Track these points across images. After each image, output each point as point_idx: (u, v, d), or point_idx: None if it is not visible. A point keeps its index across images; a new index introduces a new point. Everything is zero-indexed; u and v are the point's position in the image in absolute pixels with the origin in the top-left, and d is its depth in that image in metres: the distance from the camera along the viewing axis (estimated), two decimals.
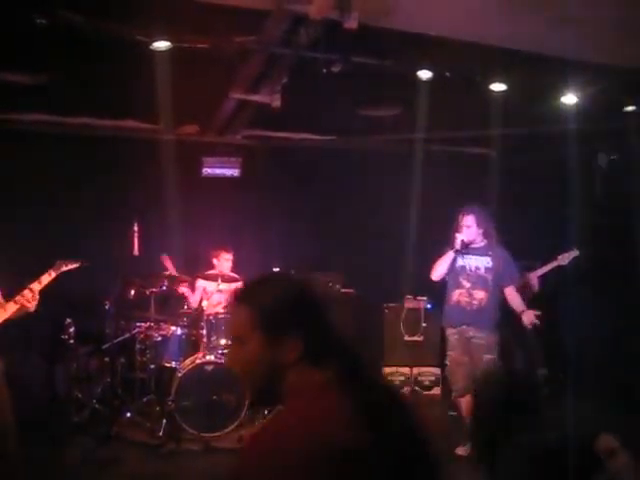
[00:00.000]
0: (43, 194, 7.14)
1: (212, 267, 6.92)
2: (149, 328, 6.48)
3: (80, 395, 6.52)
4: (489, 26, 5.16)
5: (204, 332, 6.32)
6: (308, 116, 7.34)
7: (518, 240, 7.13)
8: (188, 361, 6.20)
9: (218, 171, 8.00)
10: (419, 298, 8.01)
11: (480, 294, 5.68)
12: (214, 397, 6.01)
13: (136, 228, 6.29)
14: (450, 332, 5.83)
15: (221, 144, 8.03)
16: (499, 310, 5.78)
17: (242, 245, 7.31)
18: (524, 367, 6.94)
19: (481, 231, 5.73)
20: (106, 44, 5.08)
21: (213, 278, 6.67)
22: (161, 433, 5.94)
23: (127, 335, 6.61)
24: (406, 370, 7.89)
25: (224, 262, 6.87)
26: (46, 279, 4.78)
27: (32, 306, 4.58)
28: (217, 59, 5.44)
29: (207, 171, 7.98)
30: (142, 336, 6.54)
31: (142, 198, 7.26)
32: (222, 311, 6.52)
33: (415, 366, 7.89)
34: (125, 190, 7.36)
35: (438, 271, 5.83)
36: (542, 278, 6.82)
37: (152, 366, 6.39)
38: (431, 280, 7.14)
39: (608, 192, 7.74)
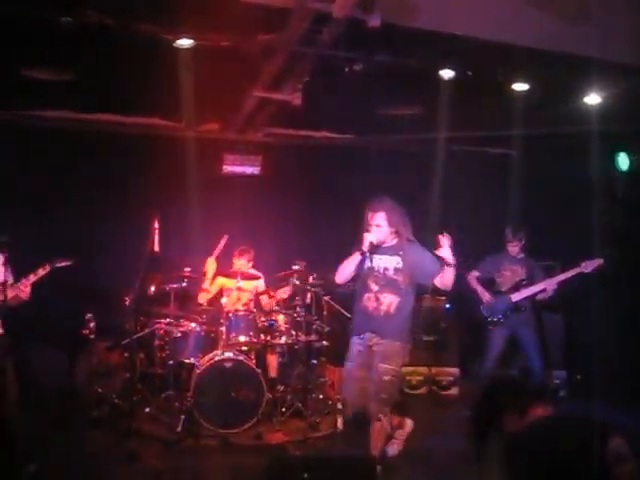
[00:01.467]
0: (66, 191, 7.21)
1: (232, 264, 6.95)
2: (168, 324, 6.52)
3: (100, 390, 6.59)
4: (512, 25, 5.15)
5: (223, 329, 6.35)
6: (328, 114, 7.34)
7: (538, 241, 7.13)
8: (207, 358, 6.22)
9: (239, 169, 8.03)
10: (438, 298, 7.99)
11: (389, 298, 4.98)
12: (232, 394, 6.03)
13: (157, 225, 6.31)
14: (354, 341, 5.11)
15: (242, 142, 8.06)
16: (411, 318, 5.16)
17: (262, 242, 7.34)
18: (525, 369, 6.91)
19: (393, 230, 5.08)
20: (130, 42, 5.13)
21: (233, 275, 6.69)
22: (179, 429, 5.97)
23: (147, 331, 6.64)
24: (424, 370, 7.86)
25: (243, 259, 6.90)
26: (41, 272, 5.26)
27: (25, 294, 5.16)
28: (239, 57, 5.46)
29: (228, 169, 8.01)
30: (161, 332, 6.57)
31: (163, 195, 7.31)
32: (241, 308, 6.54)
33: (433, 366, 7.87)
34: (146, 187, 7.41)
35: (343, 274, 5.16)
36: (563, 283, 6.73)
37: (171, 362, 6.42)
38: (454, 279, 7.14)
39: (630, 193, 7.68)
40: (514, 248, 6.87)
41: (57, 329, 6.85)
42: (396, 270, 5.01)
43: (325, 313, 6.80)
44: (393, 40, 5.13)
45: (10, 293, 5.04)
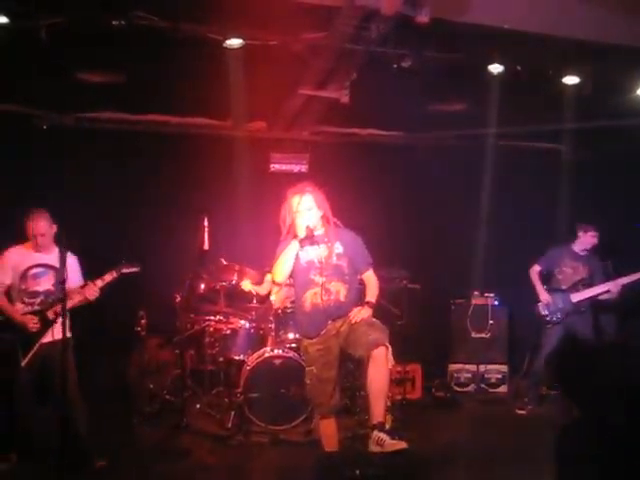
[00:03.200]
0: (117, 191, 7.33)
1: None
2: (218, 322, 6.59)
3: (152, 386, 6.70)
4: (563, 18, 5.08)
5: (272, 326, 6.40)
6: (375, 112, 7.32)
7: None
8: (256, 355, 6.27)
9: (286, 167, 8.06)
10: (486, 294, 7.94)
11: (336, 286, 4.65)
12: (282, 390, 6.07)
13: (206, 223, 6.38)
14: (309, 343, 4.72)
15: (289, 140, 8.09)
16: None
17: None
18: None
19: (320, 214, 4.71)
20: (180, 43, 5.19)
21: None
22: (230, 425, 6.04)
23: (197, 328, 6.73)
24: (472, 367, 7.82)
25: None
26: (108, 277, 5.21)
27: (93, 298, 5.11)
28: (287, 55, 5.47)
29: (275, 167, 8.05)
30: (211, 329, 6.64)
31: (211, 194, 7.39)
32: (290, 305, 6.58)
33: (481, 363, 7.81)
34: (195, 186, 7.49)
35: (282, 271, 4.72)
36: (626, 286, 6.62)
37: (221, 359, 6.49)
38: (503, 275, 7.09)
39: None
40: (591, 238, 6.73)
41: (110, 327, 6.97)
42: (338, 255, 4.70)
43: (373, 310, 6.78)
44: (442, 36, 5.10)
45: (78, 297, 5.08)
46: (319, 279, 4.64)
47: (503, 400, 7.44)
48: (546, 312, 6.79)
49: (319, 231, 4.72)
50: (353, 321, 4.59)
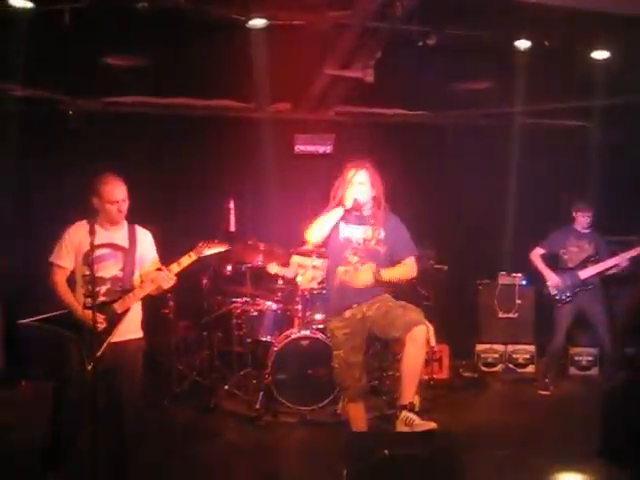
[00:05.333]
0: (142, 174, 7.35)
1: (306, 243, 6.98)
2: (245, 303, 6.63)
3: (180, 367, 6.76)
4: None
5: (299, 307, 6.41)
6: (400, 91, 7.26)
7: (615, 215, 6.94)
8: (283, 336, 6.29)
9: (311, 148, 8.04)
10: (514, 274, 7.88)
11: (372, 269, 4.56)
12: (309, 371, 6.08)
13: (232, 205, 6.39)
14: (335, 326, 4.62)
15: (314, 121, 8.06)
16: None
17: None
18: None
19: (373, 194, 4.63)
20: (203, 24, 5.18)
21: (307, 254, 6.73)
22: (258, 405, 6.08)
23: (224, 310, 6.77)
24: (500, 347, 7.80)
25: None
26: (186, 261, 4.35)
27: (167, 286, 4.28)
28: (311, 35, 5.44)
29: (300, 148, 8.03)
30: (238, 311, 6.68)
31: (237, 176, 7.40)
32: (317, 287, 6.58)
33: (509, 343, 7.79)
34: (220, 168, 7.52)
35: (319, 231, 4.59)
36: (634, 259, 6.62)
37: (248, 340, 6.53)
38: (527, 255, 7.03)
39: None
40: (585, 219, 6.75)
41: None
42: (378, 241, 4.59)
43: (399, 290, 6.77)
44: (467, 11, 5.02)
45: (149, 285, 4.25)
46: (353, 258, 4.56)
47: (531, 380, 7.39)
48: (555, 292, 6.81)
49: (367, 212, 4.65)
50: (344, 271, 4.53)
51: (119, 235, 4.31)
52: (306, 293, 6.45)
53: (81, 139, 7.09)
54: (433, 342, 4.45)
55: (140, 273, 4.32)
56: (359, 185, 4.57)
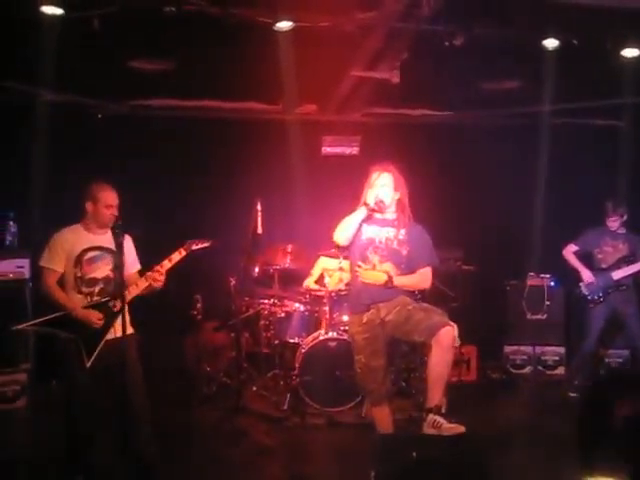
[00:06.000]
0: (170, 177, 7.43)
1: (333, 245, 6.99)
2: (273, 305, 6.65)
3: (208, 368, 6.81)
4: None
5: (326, 309, 6.41)
6: (427, 92, 7.23)
7: None
8: (311, 337, 6.30)
9: (337, 149, 8.06)
10: (542, 275, 7.81)
11: (388, 268, 4.54)
12: (337, 373, 6.07)
13: (259, 207, 6.42)
14: (355, 331, 4.62)
15: (340, 122, 8.06)
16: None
17: None
18: None
19: (396, 197, 4.63)
20: (230, 28, 5.20)
21: (335, 256, 6.73)
22: (285, 407, 6.11)
23: (252, 311, 6.80)
24: (528, 349, 7.73)
25: None
26: (176, 257, 4.57)
27: (160, 283, 4.45)
28: (337, 37, 5.43)
29: (327, 150, 8.05)
30: (266, 312, 6.71)
31: (264, 177, 7.42)
32: (344, 288, 6.58)
33: (538, 345, 7.71)
34: (247, 170, 7.54)
35: (344, 233, 4.59)
36: None
37: (276, 342, 6.56)
38: (559, 256, 6.97)
39: None
40: (614, 223, 6.70)
41: (167, 311, 7.09)
42: (400, 242, 4.58)
43: (427, 292, 6.75)
44: (494, 11, 4.99)
45: (142, 283, 4.44)
46: (373, 257, 4.57)
47: (560, 382, 7.32)
48: (587, 292, 6.75)
49: (391, 215, 4.65)
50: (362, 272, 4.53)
51: (105, 238, 4.47)
52: (333, 295, 6.46)
53: (110, 142, 7.17)
54: (457, 342, 4.42)
55: (127, 274, 4.41)
56: (382, 187, 4.59)
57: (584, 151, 7.78)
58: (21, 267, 6.44)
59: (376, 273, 4.51)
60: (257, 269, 6.81)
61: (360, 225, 4.60)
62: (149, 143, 7.26)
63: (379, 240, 4.58)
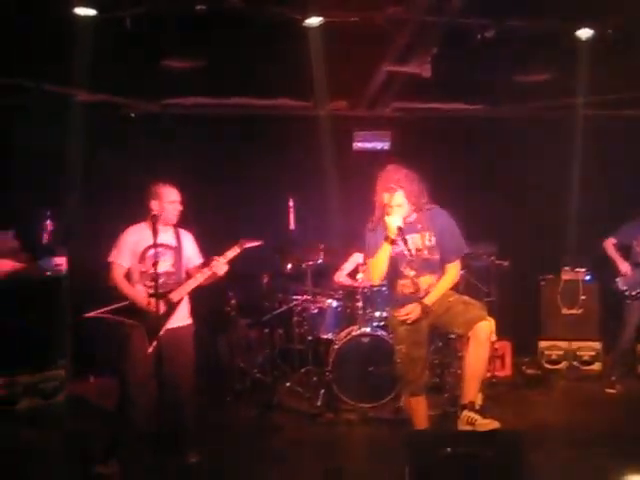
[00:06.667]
0: (202, 174, 7.47)
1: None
2: (306, 301, 6.66)
3: (242, 365, 6.84)
4: None
5: (360, 304, 6.40)
6: (458, 85, 7.17)
7: None
8: (344, 333, 6.30)
9: (369, 145, 8.04)
10: (577, 270, 7.70)
11: (428, 280, 4.54)
12: (370, 368, 6.07)
13: (291, 203, 6.43)
14: (397, 322, 4.58)
15: (371, 118, 8.04)
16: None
17: None
18: None
19: (413, 207, 4.50)
20: (260, 25, 5.22)
21: None
22: (319, 403, 6.11)
23: (285, 308, 6.82)
24: (564, 344, 7.63)
25: None
26: (231, 253, 4.82)
27: (222, 273, 4.78)
28: (367, 32, 5.42)
29: (358, 145, 8.04)
30: (299, 308, 6.72)
31: (296, 174, 7.43)
32: (377, 283, 6.55)
33: (573, 340, 7.61)
34: (280, 166, 7.57)
35: (379, 272, 4.51)
36: None
37: (309, 338, 6.56)
38: (594, 250, 6.88)
39: None
40: None
41: (201, 306, 7.14)
42: (430, 249, 4.51)
43: (461, 287, 6.71)
44: (527, 2, 4.93)
45: (205, 273, 4.75)
46: (409, 272, 4.53)
47: (597, 378, 7.23)
48: (625, 287, 6.65)
49: (410, 220, 4.51)
50: (401, 319, 4.51)
51: (168, 235, 4.81)
52: (367, 290, 6.44)
53: (143, 140, 7.24)
54: (494, 337, 4.42)
55: (187, 268, 4.85)
56: (397, 208, 4.42)
57: (619, 143, 7.66)
58: (59, 265, 6.57)
59: (412, 307, 4.47)
60: (290, 265, 6.81)
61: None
62: (181, 141, 7.32)
63: (409, 252, 4.40)
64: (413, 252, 4.41)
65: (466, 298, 4.60)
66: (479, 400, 5.75)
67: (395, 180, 4.47)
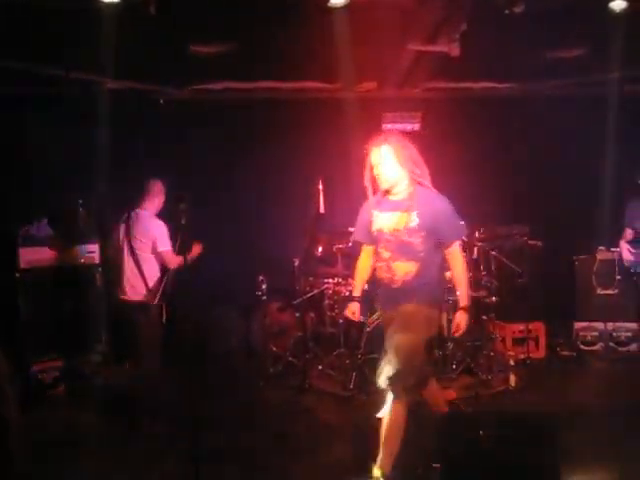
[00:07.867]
0: (232, 158, 7.49)
1: None
2: (337, 284, 6.65)
3: (274, 348, 6.88)
4: None
5: None
6: (488, 63, 7.06)
7: None
8: (375, 316, 6.27)
9: (398, 126, 7.97)
10: (613, 249, 7.56)
11: (403, 268, 4.03)
12: None
13: (321, 186, 6.41)
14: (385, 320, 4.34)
15: (400, 99, 7.98)
16: (439, 283, 4.23)
17: None
18: None
19: (404, 173, 4.10)
20: (285, 6, 5.18)
21: None
22: (352, 385, 6.11)
23: (316, 291, 6.81)
24: (599, 325, 7.50)
25: None
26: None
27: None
28: (394, 11, 5.36)
29: (387, 126, 7.97)
30: (330, 292, 6.72)
31: (325, 156, 7.40)
32: None
33: (609, 321, 7.48)
34: (309, 149, 7.55)
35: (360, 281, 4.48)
36: None
37: (341, 321, 6.55)
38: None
39: None
40: None
41: (233, 291, 7.19)
42: (410, 231, 4.01)
43: (493, 268, 6.65)
44: None
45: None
46: (385, 254, 4.12)
47: (634, 359, 7.11)
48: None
49: (401, 194, 4.13)
50: (457, 335, 4.28)
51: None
52: None
53: (172, 126, 7.27)
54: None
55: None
56: (378, 166, 4.12)
57: None
58: (92, 252, 6.65)
59: (458, 318, 4.21)
60: (320, 248, 6.81)
61: (370, 213, 4.23)
62: (211, 126, 7.34)
63: (388, 231, 4.09)
64: (390, 230, 4.07)
65: (411, 336, 4.02)
66: (513, 381, 5.73)
67: (386, 136, 4.23)
